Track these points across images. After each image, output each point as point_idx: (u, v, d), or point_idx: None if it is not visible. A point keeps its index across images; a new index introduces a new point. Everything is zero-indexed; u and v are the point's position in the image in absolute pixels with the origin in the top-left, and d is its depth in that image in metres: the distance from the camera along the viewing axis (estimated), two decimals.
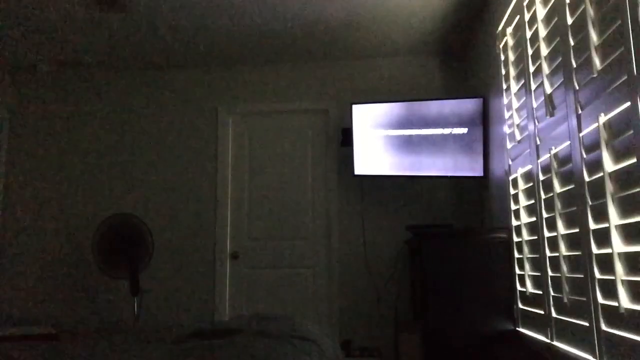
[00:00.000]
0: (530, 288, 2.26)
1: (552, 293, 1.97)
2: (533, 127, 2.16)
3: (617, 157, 1.43)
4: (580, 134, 1.65)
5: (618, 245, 1.42)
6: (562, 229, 1.86)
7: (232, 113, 4.09)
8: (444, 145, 3.38)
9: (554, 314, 1.97)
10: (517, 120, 2.45)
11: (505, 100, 2.69)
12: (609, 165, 1.47)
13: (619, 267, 1.41)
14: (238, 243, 3.93)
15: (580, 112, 1.66)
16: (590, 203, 1.60)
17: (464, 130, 3.34)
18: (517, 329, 2.46)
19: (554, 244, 1.94)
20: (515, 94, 2.48)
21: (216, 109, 4.09)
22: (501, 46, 2.70)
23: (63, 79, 4.24)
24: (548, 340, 2.01)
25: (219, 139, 4.04)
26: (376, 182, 3.81)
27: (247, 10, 3.22)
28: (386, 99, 3.83)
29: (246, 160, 4.04)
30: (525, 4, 2.24)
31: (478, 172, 3.28)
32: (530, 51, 2.20)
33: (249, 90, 4.09)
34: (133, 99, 4.17)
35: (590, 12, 1.57)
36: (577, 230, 1.70)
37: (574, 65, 1.69)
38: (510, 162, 2.58)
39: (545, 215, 2.04)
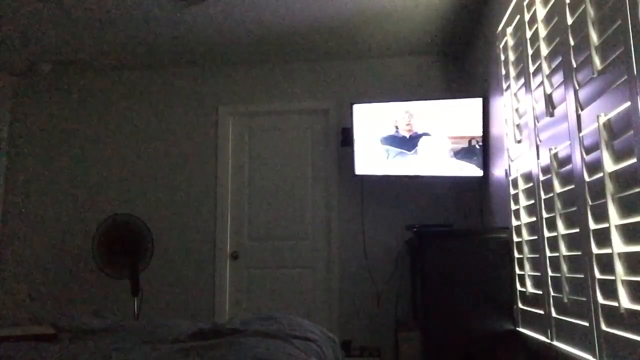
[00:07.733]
0: (530, 288, 2.26)
1: (552, 293, 1.97)
2: (533, 127, 2.16)
3: (617, 157, 1.43)
4: (580, 134, 1.65)
5: (618, 245, 1.42)
6: (562, 229, 1.86)
7: (232, 113, 4.09)
8: (444, 145, 3.37)
9: (554, 314, 1.96)
10: (517, 120, 2.45)
11: (505, 100, 2.69)
12: (609, 165, 1.46)
13: (619, 267, 1.40)
14: (238, 243, 3.93)
15: (580, 112, 1.66)
16: (590, 203, 1.60)
17: (464, 130, 3.34)
18: (517, 329, 2.45)
19: (554, 244, 1.94)
20: (515, 94, 2.48)
21: (216, 109, 4.09)
22: (501, 46, 2.69)
23: (63, 79, 4.24)
24: (548, 340, 2.01)
25: (219, 139, 4.04)
26: (376, 182, 3.81)
27: (247, 10, 3.22)
28: (386, 99, 3.83)
29: (246, 160, 4.04)
30: (525, 4, 2.24)
31: (478, 172, 3.28)
32: (530, 51, 2.20)
33: (249, 90, 4.09)
34: (133, 98, 4.17)
35: (590, 12, 1.57)
36: (577, 230, 1.70)
37: (574, 65, 1.69)
38: (510, 162, 2.58)
39: (545, 215, 2.04)
